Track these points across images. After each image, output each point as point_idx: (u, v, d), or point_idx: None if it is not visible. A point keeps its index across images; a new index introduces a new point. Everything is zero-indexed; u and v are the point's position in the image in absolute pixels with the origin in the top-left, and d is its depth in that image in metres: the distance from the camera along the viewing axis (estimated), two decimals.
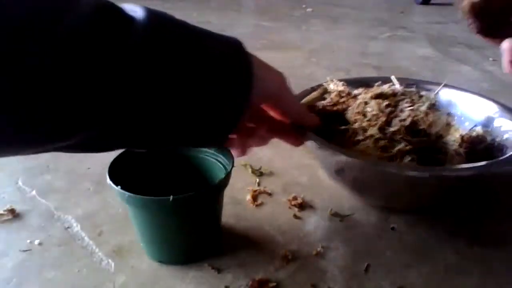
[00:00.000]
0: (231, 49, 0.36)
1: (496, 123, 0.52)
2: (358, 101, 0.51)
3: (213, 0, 1.79)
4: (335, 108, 0.51)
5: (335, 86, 0.55)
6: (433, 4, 1.83)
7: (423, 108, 0.49)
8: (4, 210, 0.50)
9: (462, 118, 0.56)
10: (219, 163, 0.46)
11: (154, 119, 0.31)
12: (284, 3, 1.78)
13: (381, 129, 0.47)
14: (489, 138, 0.51)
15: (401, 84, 0.57)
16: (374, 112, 0.48)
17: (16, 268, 0.43)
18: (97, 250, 0.45)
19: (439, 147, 0.47)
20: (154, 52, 0.29)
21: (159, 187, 0.43)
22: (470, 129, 0.53)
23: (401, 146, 0.46)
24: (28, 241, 0.46)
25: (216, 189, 0.42)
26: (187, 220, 0.41)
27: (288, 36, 1.30)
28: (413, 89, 0.55)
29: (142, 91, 0.29)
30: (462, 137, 0.50)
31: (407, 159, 0.45)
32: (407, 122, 0.47)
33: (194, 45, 0.32)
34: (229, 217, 0.49)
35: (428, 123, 0.47)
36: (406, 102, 0.50)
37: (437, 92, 0.58)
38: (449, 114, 0.54)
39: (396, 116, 0.48)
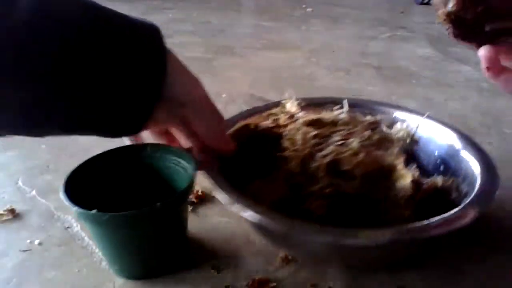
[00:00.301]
0: (144, 35, 0.33)
1: (460, 159, 0.45)
2: (290, 126, 0.45)
3: (213, 0, 1.79)
4: (281, 131, 0.45)
5: (290, 106, 0.50)
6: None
7: (354, 144, 0.41)
8: (4, 210, 0.50)
9: (422, 154, 0.49)
10: (182, 170, 0.42)
11: (45, 100, 0.29)
12: (284, 3, 1.77)
13: (304, 162, 0.41)
14: (454, 194, 0.42)
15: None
16: (300, 142, 0.42)
17: (16, 268, 0.42)
18: (97, 250, 0.45)
19: (370, 194, 0.40)
20: (43, 26, 0.27)
21: (121, 199, 0.41)
22: (433, 176, 0.45)
23: (316, 187, 0.39)
24: (28, 241, 0.46)
25: (178, 200, 0.39)
26: (150, 234, 0.39)
27: (288, 36, 1.30)
28: (369, 117, 0.48)
29: (29, 69, 0.27)
30: (416, 185, 0.41)
31: (315, 204, 0.39)
32: (328, 159, 0.40)
33: (96, 22, 0.29)
34: (229, 217, 0.49)
35: (354, 164, 0.40)
36: (340, 135, 0.43)
37: (397, 121, 0.48)
38: (398, 153, 0.44)
39: (321, 150, 0.41)
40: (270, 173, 0.43)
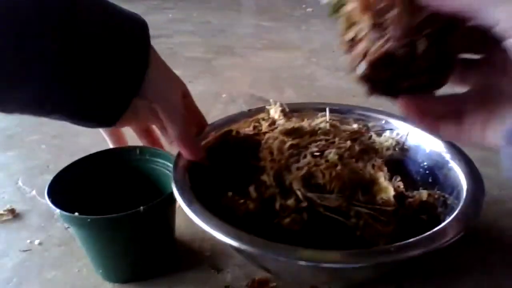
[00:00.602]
0: (131, 29, 0.33)
1: (448, 171, 0.42)
2: (268, 135, 0.43)
3: (213, 0, 1.79)
4: (261, 139, 0.43)
5: (273, 112, 0.47)
6: None
7: (331, 156, 0.39)
8: (4, 210, 0.50)
9: (411, 164, 0.46)
10: (170, 173, 0.41)
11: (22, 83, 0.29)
12: (284, 3, 1.77)
13: (278, 174, 0.38)
14: (440, 208, 0.39)
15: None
16: (275, 153, 0.40)
17: (16, 268, 0.43)
18: None
19: (348, 209, 0.37)
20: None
21: (110, 201, 0.41)
22: (420, 188, 0.42)
23: (290, 201, 0.37)
24: (28, 241, 0.46)
25: (162, 203, 0.38)
26: (134, 236, 0.38)
27: (288, 36, 1.30)
28: (356, 125, 0.45)
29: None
30: (400, 199, 0.39)
31: (289, 219, 0.36)
32: (302, 172, 0.38)
33: (77, 12, 0.30)
34: None
35: (330, 177, 0.37)
36: (317, 146, 0.40)
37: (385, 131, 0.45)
38: (380, 165, 0.41)
39: (297, 161, 0.39)
40: (246, 183, 0.40)
